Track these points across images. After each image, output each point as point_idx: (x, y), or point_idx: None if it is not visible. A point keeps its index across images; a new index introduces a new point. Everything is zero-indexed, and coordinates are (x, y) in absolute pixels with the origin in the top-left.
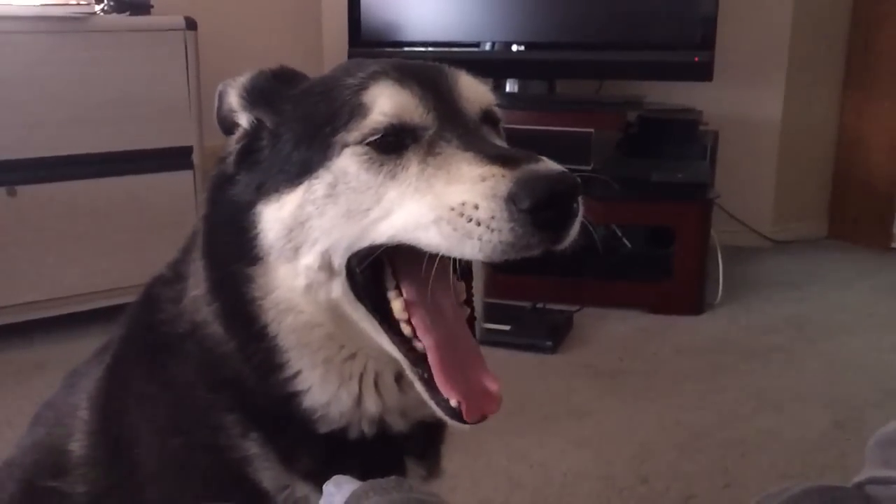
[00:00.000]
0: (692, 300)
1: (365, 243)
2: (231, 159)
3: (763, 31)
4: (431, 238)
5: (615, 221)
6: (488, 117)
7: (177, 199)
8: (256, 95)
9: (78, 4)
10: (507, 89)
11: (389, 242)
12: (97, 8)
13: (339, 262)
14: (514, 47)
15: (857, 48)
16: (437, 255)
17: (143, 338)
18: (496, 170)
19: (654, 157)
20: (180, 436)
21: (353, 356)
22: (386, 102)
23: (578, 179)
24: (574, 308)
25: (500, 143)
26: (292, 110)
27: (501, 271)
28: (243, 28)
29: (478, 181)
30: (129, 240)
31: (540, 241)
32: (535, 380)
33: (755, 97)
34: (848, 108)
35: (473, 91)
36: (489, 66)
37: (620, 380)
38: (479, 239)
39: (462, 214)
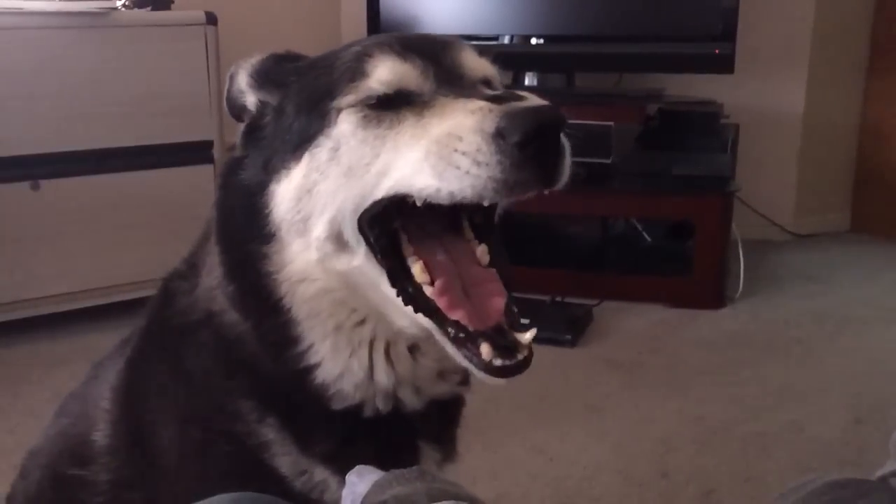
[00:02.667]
0: (713, 294)
1: (368, 201)
2: (239, 142)
3: (785, 23)
4: (425, 179)
5: (635, 215)
6: (489, 86)
7: (198, 192)
8: (264, 76)
9: (100, 0)
10: (526, 82)
11: (388, 194)
12: (119, 3)
13: (350, 229)
14: (534, 40)
15: (880, 39)
16: (443, 206)
17: (160, 331)
18: (483, 104)
19: (675, 151)
20: (198, 425)
21: (362, 322)
22: (385, 71)
23: (563, 113)
24: (594, 302)
25: None
26: (295, 85)
27: (521, 264)
28: (263, 22)
29: (467, 115)
30: (150, 233)
31: (530, 178)
32: (555, 373)
33: (777, 89)
34: (871, 100)
35: (475, 62)
36: (508, 59)
37: (640, 374)
38: (467, 172)
39: (447, 146)
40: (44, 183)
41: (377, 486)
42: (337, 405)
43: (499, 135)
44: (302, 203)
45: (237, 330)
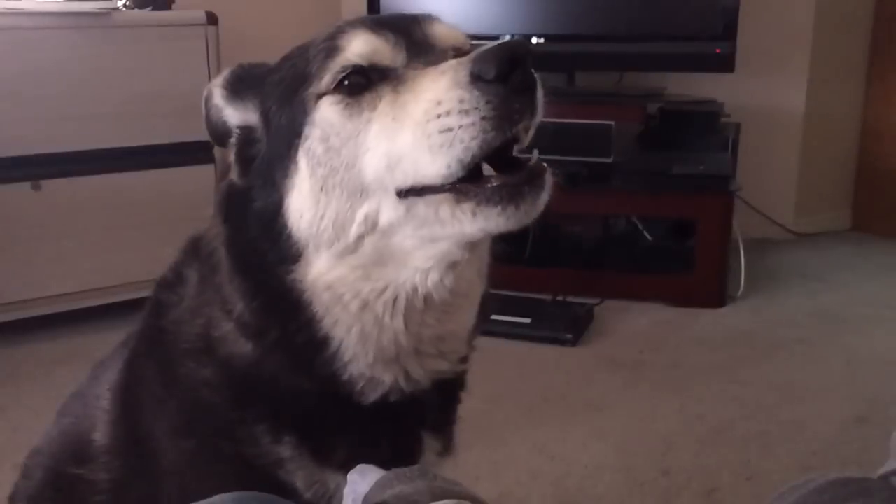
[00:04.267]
0: (714, 293)
1: (392, 187)
2: (235, 168)
3: (785, 22)
4: (431, 165)
5: (636, 214)
6: (461, 54)
7: (198, 192)
8: (238, 82)
9: (100, 0)
10: None
11: (407, 185)
12: (119, 3)
13: (391, 210)
14: (534, 39)
15: (881, 37)
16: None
17: (153, 339)
18: (452, 62)
19: (676, 150)
20: (192, 437)
21: (384, 290)
22: (359, 44)
23: (527, 42)
24: (594, 301)
25: None
26: (273, 78)
27: (523, 263)
28: (264, 22)
29: (438, 78)
30: (151, 233)
31: (522, 106)
32: (556, 373)
33: (777, 88)
34: (872, 98)
35: (445, 32)
36: None
37: (641, 372)
38: (460, 127)
39: (431, 118)
40: (45, 183)
41: (379, 485)
42: (369, 396)
43: (476, 79)
44: (321, 206)
45: (249, 359)
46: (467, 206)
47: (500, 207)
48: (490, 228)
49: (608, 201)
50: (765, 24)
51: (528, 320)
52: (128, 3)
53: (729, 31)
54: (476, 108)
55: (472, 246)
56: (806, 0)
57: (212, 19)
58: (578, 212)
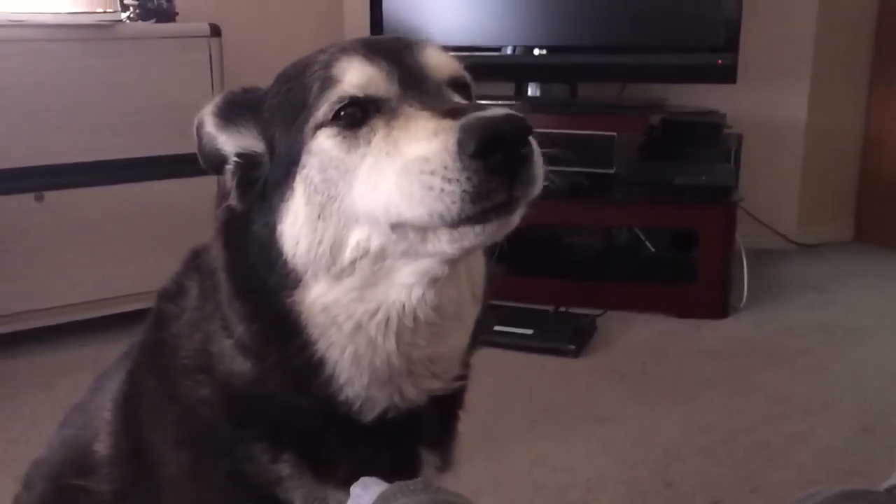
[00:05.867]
0: (717, 304)
1: (384, 220)
2: (234, 194)
3: (787, 33)
4: (411, 208)
5: (639, 225)
6: (456, 84)
7: (201, 203)
8: (230, 110)
9: (104, 12)
10: (529, 93)
11: (392, 221)
12: (123, 15)
13: (380, 236)
14: (536, 51)
15: (883, 48)
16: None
17: (153, 352)
18: (446, 123)
19: (678, 161)
20: (191, 451)
21: (376, 311)
22: (354, 75)
23: (525, 120)
24: (597, 312)
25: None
26: (272, 108)
27: (525, 274)
28: (267, 34)
29: (432, 137)
30: (154, 244)
31: (498, 187)
32: (558, 384)
33: (779, 99)
34: (874, 109)
35: (439, 60)
36: (511, 69)
37: (644, 384)
38: (442, 190)
39: (419, 171)
40: (48, 194)
41: (382, 498)
42: (367, 415)
43: (459, 149)
44: (318, 232)
45: (247, 378)
46: (445, 233)
47: (474, 227)
48: (466, 246)
49: (610, 212)
50: (767, 35)
51: (530, 331)
52: (132, 15)
53: (731, 42)
54: (458, 181)
55: (452, 262)
56: (808, 11)
57: (215, 31)
58: (580, 223)
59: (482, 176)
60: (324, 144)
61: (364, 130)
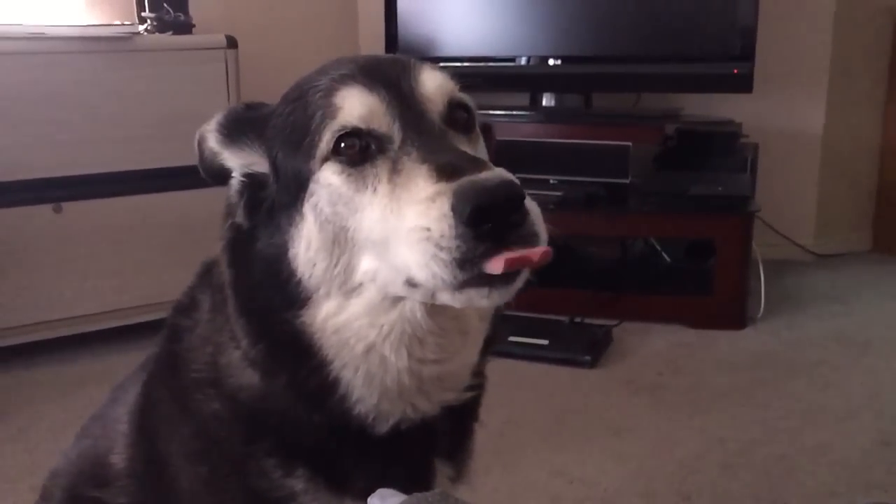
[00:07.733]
0: (734, 314)
1: (398, 281)
2: (241, 213)
3: (804, 42)
4: (417, 271)
5: (655, 235)
6: (455, 110)
7: (218, 215)
8: (234, 127)
9: (122, 25)
10: (544, 103)
11: (402, 279)
12: (140, 28)
13: (386, 271)
14: (551, 61)
15: None
16: None
17: (167, 365)
18: (442, 187)
19: (694, 171)
20: (206, 465)
21: (389, 333)
22: (355, 105)
23: (518, 187)
24: (613, 322)
25: (465, 145)
26: (276, 128)
27: (540, 285)
28: (282, 46)
29: (430, 202)
30: (171, 255)
31: (487, 250)
32: (574, 395)
33: (796, 108)
34: (891, 118)
35: (435, 87)
36: (525, 80)
37: (661, 395)
38: (435, 256)
39: (419, 237)
40: (66, 205)
41: None
42: (380, 428)
43: (454, 214)
44: (334, 256)
45: (256, 391)
46: (448, 294)
47: (479, 290)
48: (475, 305)
49: (626, 222)
50: (783, 44)
51: (545, 342)
52: (149, 28)
53: (747, 52)
54: (450, 248)
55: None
56: (824, 19)
57: (232, 43)
58: (596, 233)
59: (471, 244)
60: (331, 179)
61: (369, 170)
